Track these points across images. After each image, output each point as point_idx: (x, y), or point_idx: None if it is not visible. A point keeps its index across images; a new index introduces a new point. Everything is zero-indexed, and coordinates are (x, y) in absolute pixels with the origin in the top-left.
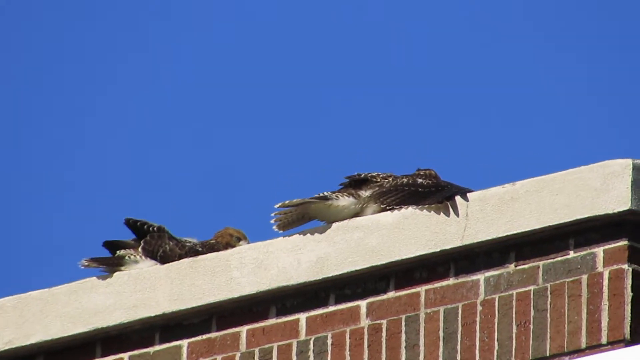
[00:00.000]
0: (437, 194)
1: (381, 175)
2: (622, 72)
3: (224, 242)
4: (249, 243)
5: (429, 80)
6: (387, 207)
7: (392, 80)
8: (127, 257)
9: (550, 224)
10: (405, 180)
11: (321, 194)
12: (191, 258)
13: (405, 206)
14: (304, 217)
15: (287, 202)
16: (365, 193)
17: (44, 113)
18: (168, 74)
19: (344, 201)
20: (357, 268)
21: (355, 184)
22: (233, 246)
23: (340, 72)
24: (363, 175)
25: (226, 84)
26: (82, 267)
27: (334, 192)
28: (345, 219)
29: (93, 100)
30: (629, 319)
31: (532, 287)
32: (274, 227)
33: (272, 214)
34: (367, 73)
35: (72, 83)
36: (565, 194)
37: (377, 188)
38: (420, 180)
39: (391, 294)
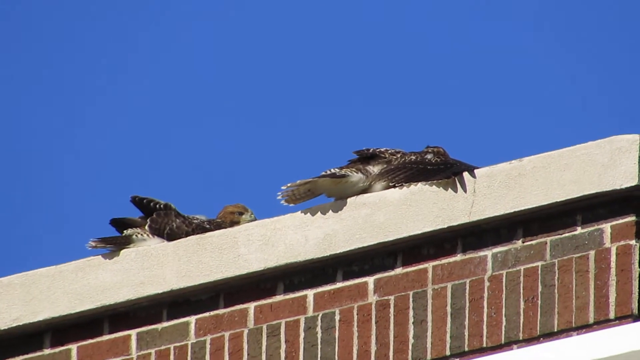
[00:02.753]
0: (445, 171)
1: (389, 152)
2: (631, 46)
3: (227, 221)
4: (252, 213)
5: (436, 57)
6: (396, 185)
7: (395, 60)
8: (134, 236)
9: (558, 200)
10: (413, 157)
11: (329, 171)
12: (198, 235)
13: (414, 183)
14: (312, 192)
15: (295, 182)
16: (373, 169)
17: (51, 93)
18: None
19: (353, 177)
20: (365, 244)
21: (363, 159)
22: (238, 222)
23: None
24: (371, 150)
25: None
26: (90, 248)
27: (341, 168)
28: (353, 195)
29: (99, 81)
30: (637, 294)
31: (539, 263)
32: (282, 201)
33: (279, 193)
34: (374, 55)
35: (79, 69)
36: (573, 170)
37: (385, 165)
38: (428, 158)
39: (399, 270)
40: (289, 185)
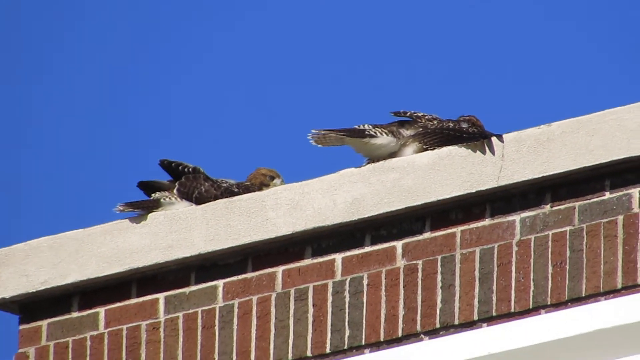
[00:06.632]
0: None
1: (426, 117)
2: None
3: (257, 182)
4: (283, 180)
5: (462, 21)
6: (430, 148)
7: (423, 25)
8: (162, 199)
9: (586, 165)
10: (451, 124)
11: (360, 126)
12: (227, 198)
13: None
14: (341, 141)
15: (324, 130)
16: (407, 132)
17: (85, 58)
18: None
19: (379, 140)
20: (393, 209)
21: (400, 122)
22: (267, 186)
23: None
24: (409, 113)
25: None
26: (118, 212)
27: (374, 127)
28: (383, 155)
29: (130, 48)
30: None
31: (568, 228)
32: (311, 141)
33: (309, 135)
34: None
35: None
36: (601, 135)
37: (420, 129)
38: (465, 126)
39: (427, 235)
40: (318, 130)
